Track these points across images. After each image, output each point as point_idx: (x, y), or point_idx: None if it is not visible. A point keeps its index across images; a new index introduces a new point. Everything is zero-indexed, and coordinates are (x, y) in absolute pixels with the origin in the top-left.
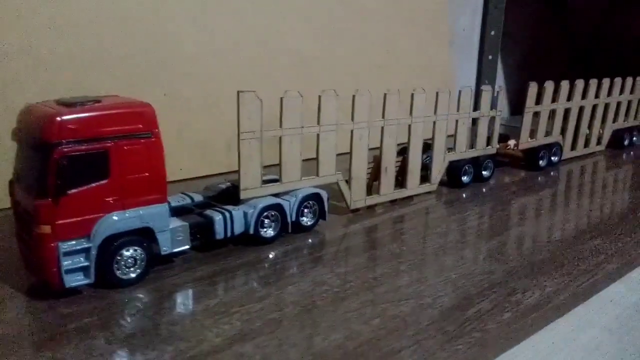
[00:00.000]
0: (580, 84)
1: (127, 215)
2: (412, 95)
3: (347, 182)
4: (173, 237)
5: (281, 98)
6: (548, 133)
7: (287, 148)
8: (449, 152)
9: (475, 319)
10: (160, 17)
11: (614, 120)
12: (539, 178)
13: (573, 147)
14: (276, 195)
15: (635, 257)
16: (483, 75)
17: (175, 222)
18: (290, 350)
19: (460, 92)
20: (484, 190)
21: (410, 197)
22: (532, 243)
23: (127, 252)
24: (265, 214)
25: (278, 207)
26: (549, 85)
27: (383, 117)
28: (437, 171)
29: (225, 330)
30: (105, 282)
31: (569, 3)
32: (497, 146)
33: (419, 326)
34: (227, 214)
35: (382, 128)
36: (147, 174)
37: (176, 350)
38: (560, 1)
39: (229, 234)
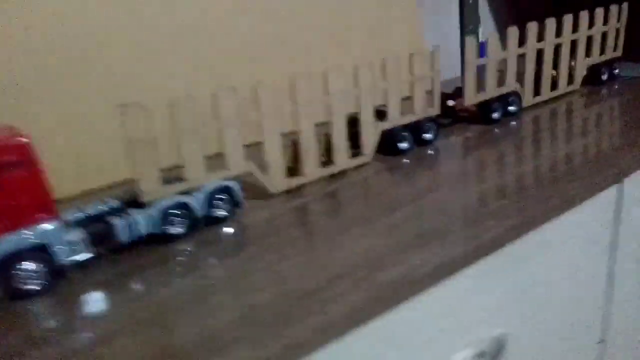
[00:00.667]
0: (533, 26)
1: (15, 237)
2: (326, 74)
3: (263, 168)
4: (70, 248)
5: (170, 101)
6: (500, 83)
7: (186, 148)
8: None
9: (329, 300)
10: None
11: (587, 55)
12: (489, 133)
13: (537, 93)
14: (184, 193)
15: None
16: (465, 26)
17: (72, 234)
18: (142, 349)
19: (384, 60)
20: (420, 155)
21: (343, 172)
22: (438, 211)
23: (29, 267)
24: (172, 212)
25: (183, 205)
26: (511, 32)
27: (295, 102)
28: (369, 142)
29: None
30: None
31: None
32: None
33: (270, 313)
34: (130, 218)
35: (296, 112)
36: (30, 198)
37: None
38: None
39: (135, 236)
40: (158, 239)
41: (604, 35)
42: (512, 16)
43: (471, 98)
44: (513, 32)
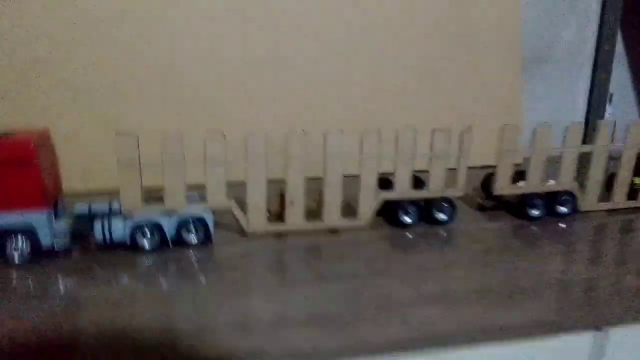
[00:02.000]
0: (603, 125)
1: (11, 216)
2: (324, 136)
3: (244, 209)
4: (55, 236)
5: (160, 138)
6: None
7: (169, 178)
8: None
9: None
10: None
11: None
12: (521, 229)
13: (603, 198)
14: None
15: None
16: (593, 101)
17: (59, 224)
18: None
19: (397, 135)
20: (425, 233)
21: (336, 231)
22: (380, 296)
23: (19, 242)
24: (144, 228)
25: (155, 224)
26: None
27: (287, 155)
28: (366, 207)
29: None
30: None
31: None
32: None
33: None
34: (106, 224)
35: (285, 166)
36: (29, 189)
37: None
38: None
39: (107, 240)
40: (132, 248)
41: None
42: None
43: (502, 188)
44: (576, 126)
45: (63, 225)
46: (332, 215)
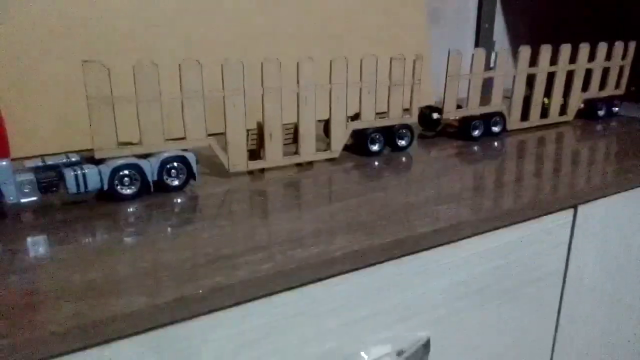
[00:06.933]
0: (526, 50)
1: None
2: (297, 64)
3: (225, 147)
4: (19, 189)
5: (133, 66)
6: (485, 102)
7: (144, 114)
8: (351, 120)
9: (237, 266)
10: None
11: (585, 89)
12: (465, 149)
13: (524, 118)
14: (140, 156)
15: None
16: (481, 45)
17: (22, 176)
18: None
19: (361, 61)
20: (389, 159)
21: (310, 164)
22: (376, 207)
23: None
24: (124, 172)
25: (135, 167)
26: (501, 52)
27: (262, 85)
28: (338, 139)
29: None
30: None
31: None
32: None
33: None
34: (80, 171)
35: (262, 96)
36: None
37: None
38: None
39: (82, 189)
40: (108, 197)
41: (607, 71)
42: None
43: (449, 112)
44: (503, 52)
45: (28, 175)
46: (308, 149)
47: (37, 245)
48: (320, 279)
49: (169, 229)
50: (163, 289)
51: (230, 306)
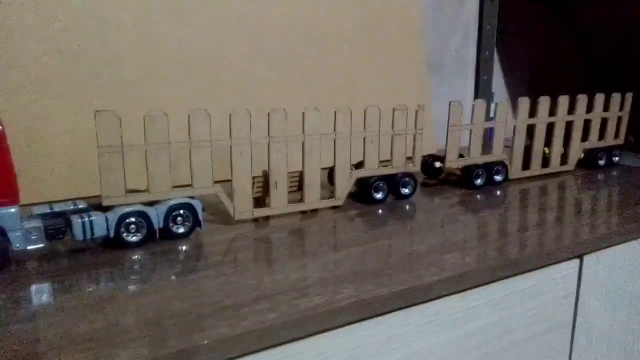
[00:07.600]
0: (525, 101)
1: None
2: (303, 113)
3: (231, 195)
4: (26, 236)
5: (144, 117)
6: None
7: (152, 162)
8: (356, 168)
9: (243, 316)
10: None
11: (585, 139)
12: (468, 197)
13: (526, 167)
14: (147, 204)
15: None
16: (479, 95)
17: (30, 222)
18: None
19: (364, 111)
20: (393, 207)
21: (315, 211)
22: (381, 255)
23: None
24: (130, 220)
25: (142, 214)
26: (502, 104)
27: (268, 134)
28: (342, 187)
29: None
30: None
31: (584, 19)
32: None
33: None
34: (87, 218)
35: (268, 145)
36: None
37: None
38: (571, 15)
39: (88, 236)
40: (114, 243)
41: (606, 121)
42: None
43: (452, 161)
44: (503, 103)
45: (35, 222)
46: (313, 197)
47: (41, 293)
48: (325, 330)
49: (173, 277)
50: (167, 340)
51: (234, 358)
